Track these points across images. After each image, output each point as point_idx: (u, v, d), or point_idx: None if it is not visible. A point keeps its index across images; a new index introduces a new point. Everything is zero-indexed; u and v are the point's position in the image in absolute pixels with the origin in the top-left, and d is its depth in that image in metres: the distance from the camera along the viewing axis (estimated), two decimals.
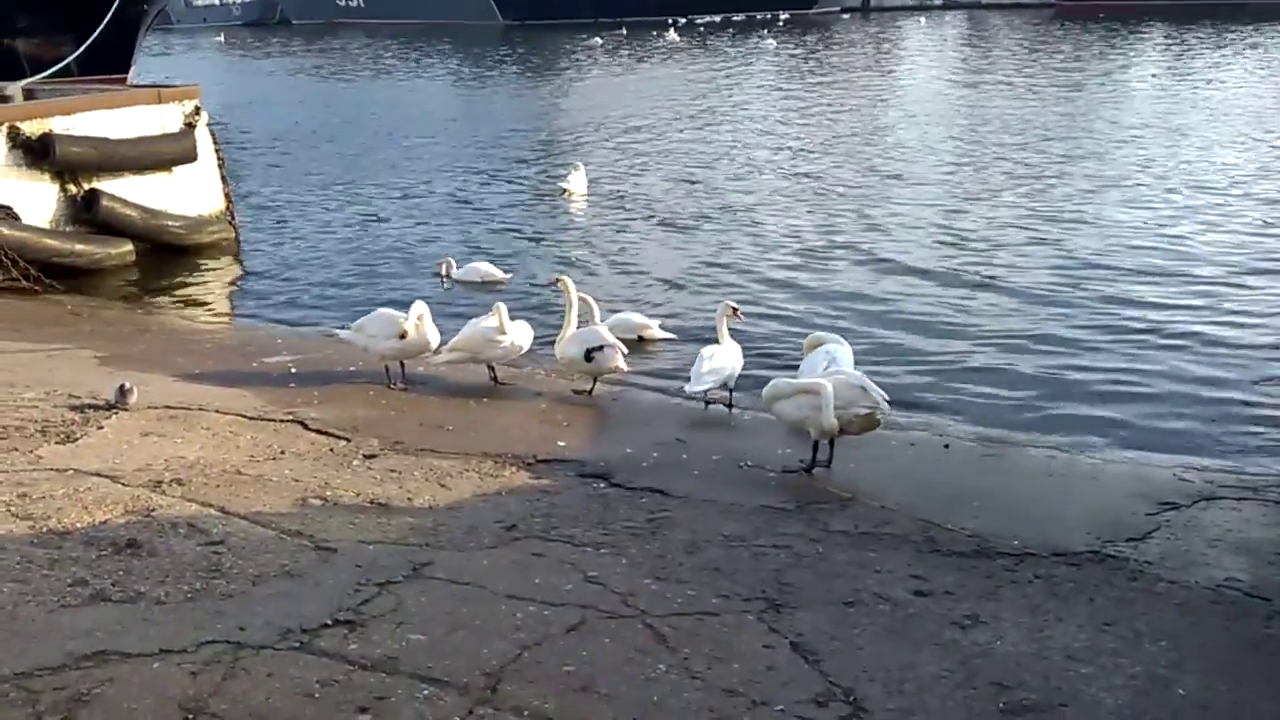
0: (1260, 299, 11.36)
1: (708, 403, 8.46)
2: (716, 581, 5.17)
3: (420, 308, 8.60)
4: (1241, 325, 10.55)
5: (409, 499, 6.27)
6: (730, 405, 8.46)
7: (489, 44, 56.16)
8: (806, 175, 18.76)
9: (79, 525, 5.52)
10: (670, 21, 59.02)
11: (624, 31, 57.56)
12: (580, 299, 9.09)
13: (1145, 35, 47.53)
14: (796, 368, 8.60)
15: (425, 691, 4.08)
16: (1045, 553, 5.72)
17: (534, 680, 4.18)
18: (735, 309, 8.62)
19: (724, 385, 8.31)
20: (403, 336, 8.48)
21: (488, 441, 7.37)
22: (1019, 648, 4.63)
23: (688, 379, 8.33)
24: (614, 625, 4.64)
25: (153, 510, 5.76)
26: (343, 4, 79.98)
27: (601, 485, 6.62)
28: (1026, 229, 14.40)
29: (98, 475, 6.32)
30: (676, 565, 5.36)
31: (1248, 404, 8.72)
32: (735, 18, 65.64)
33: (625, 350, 8.67)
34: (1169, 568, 5.60)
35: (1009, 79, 32.89)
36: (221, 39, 63.40)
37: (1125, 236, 13.98)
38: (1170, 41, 44.68)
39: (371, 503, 6.16)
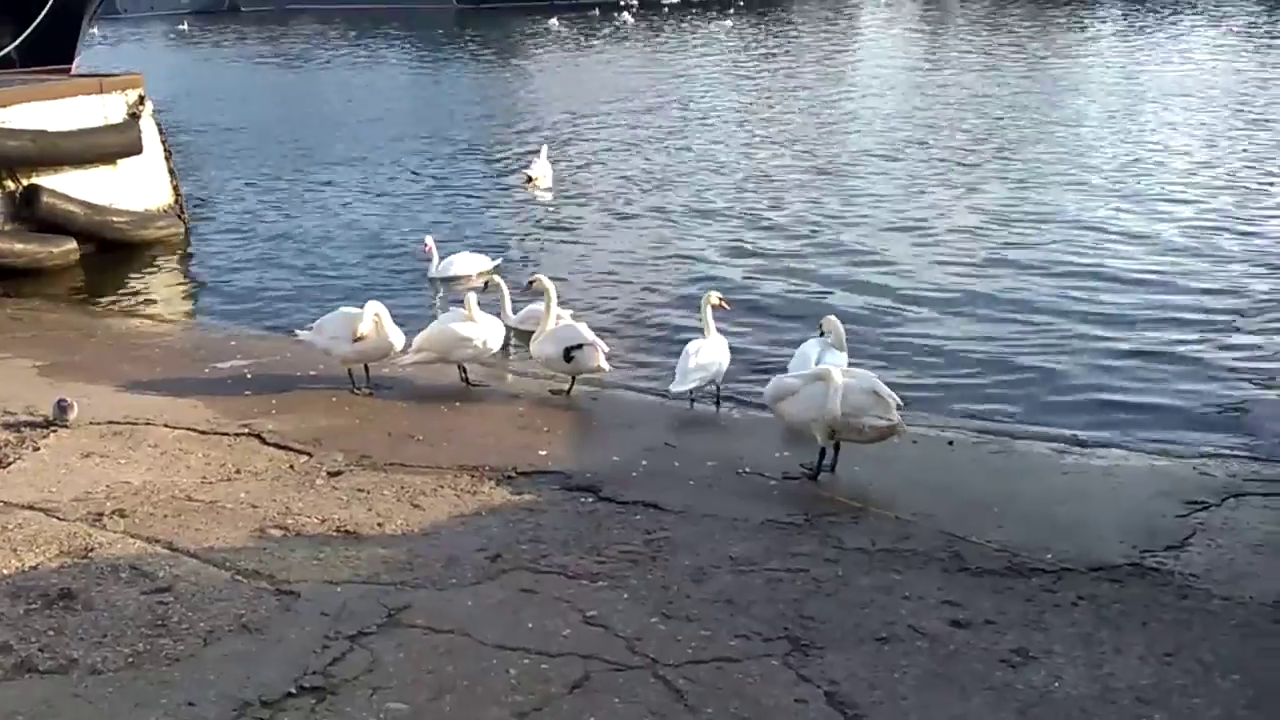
0: (1246, 284, 10.94)
1: (694, 401, 7.94)
2: (731, 618, 4.61)
3: (375, 307, 7.98)
4: (1234, 311, 10.13)
5: (379, 524, 5.67)
6: (718, 404, 7.96)
7: (443, 28, 55.13)
8: (773, 161, 18.12)
9: (6, 573, 4.88)
10: (623, 4, 58.13)
11: (595, 12, 56.62)
12: (494, 282, 9.13)
13: (1104, 8, 47.40)
14: (779, 360, 8.16)
15: None
16: (1083, 567, 5.25)
17: None
18: (721, 299, 8.09)
19: (711, 383, 7.81)
20: (360, 339, 7.86)
21: (463, 452, 6.80)
22: (1080, 689, 4.12)
23: (672, 376, 7.82)
24: (622, 680, 4.07)
25: (91, 550, 5.12)
26: None
27: (590, 500, 6.07)
28: (1005, 215, 13.87)
29: (30, 509, 5.67)
30: (684, 598, 4.81)
31: (1249, 392, 8.32)
32: None
33: (606, 348, 8.12)
34: (1218, 581, 5.14)
35: (972, 57, 32.50)
36: (185, 27, 62.09)
37: (1107, 221, 13.50)
38: (1130, 14, 44.56)
39: (338, 531, 5.56)
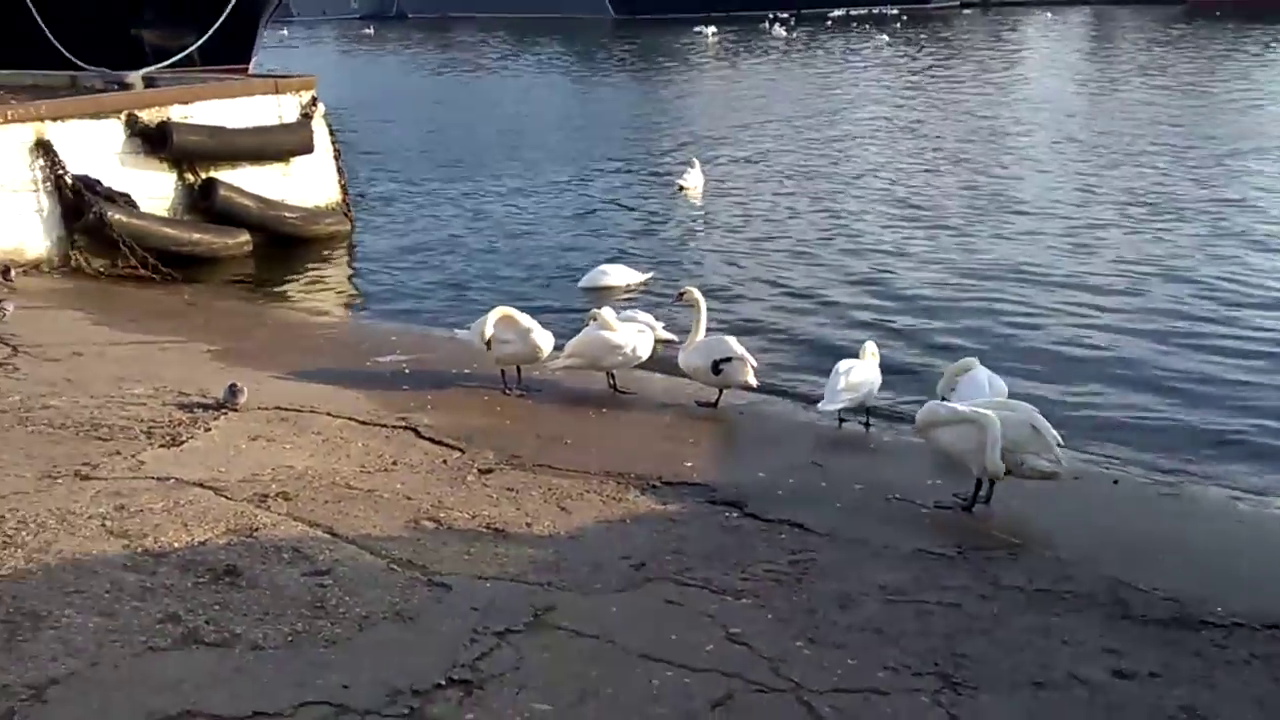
0: None
1: (842, 421, 7.80)
2: (880, 648, 4.49)
3: (497, 313, 8.07)
4: None
5: (527, 524, 5.73)
6: (868, 425, 7.79)
7: (600, 37, 55.95)
8: (928, 182, 17.75)
9: (176, 546, 5.09)
10: (773, 17, 57.95)
11: (764, 25, 56.52)
12: (597, 316, 8.22)
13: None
14: (934, 383, 7.92)
15: None
16: (1257, 624, 4.92)
17: None
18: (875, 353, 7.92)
19: (861, 404, 7.65)
20: (489, 344, 7.99)
21: (609, 458, 6.81)
22: None
23: (821, 394, 7.69)
24: (766, 702, 3.99)
25: (256, 530, 5.31)
26: None
27: (734, 515, 6.00)
28: (1183, 250, 13.19)
29: (200, 486, 5.91)
30: (830, 624, 4.70)
31: None
32: (853, 12, 64.43)
33: (755, 363, 8.05)
34: None
35: (1139, 81, 31.18)
36: (370, 31, 64.97)
37: None
38: None
39: (487, 528, 5.63)
